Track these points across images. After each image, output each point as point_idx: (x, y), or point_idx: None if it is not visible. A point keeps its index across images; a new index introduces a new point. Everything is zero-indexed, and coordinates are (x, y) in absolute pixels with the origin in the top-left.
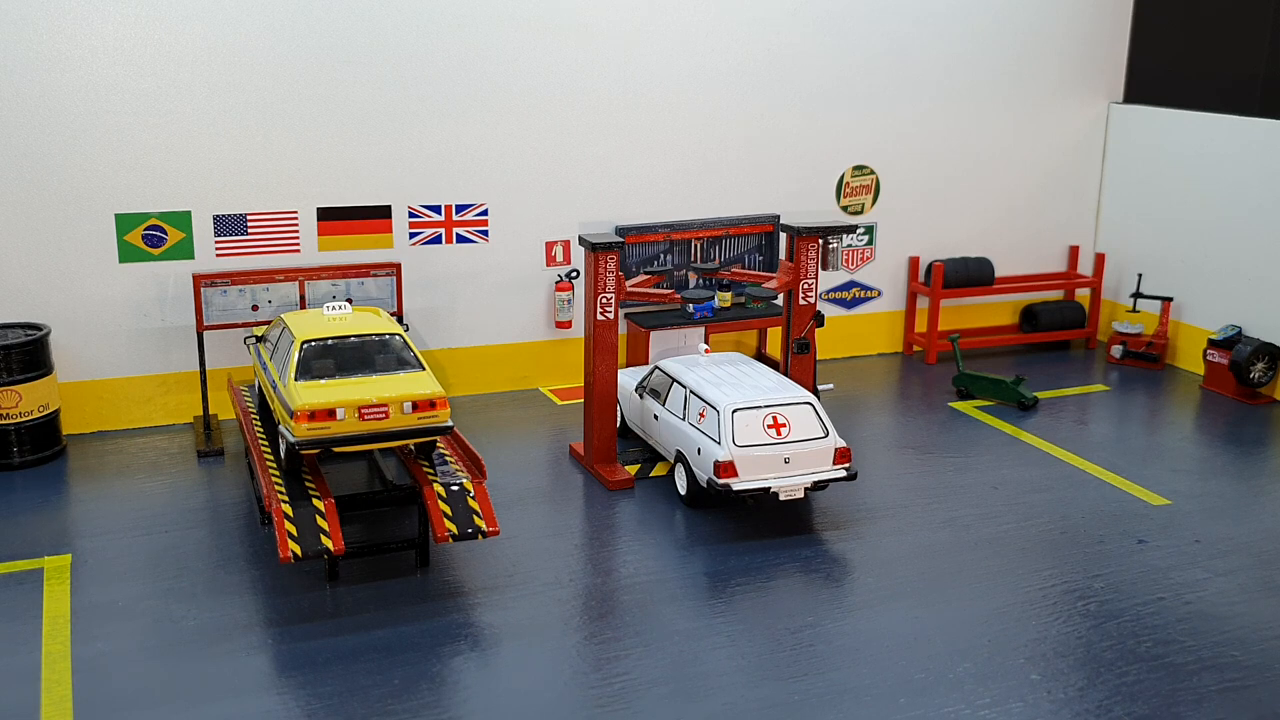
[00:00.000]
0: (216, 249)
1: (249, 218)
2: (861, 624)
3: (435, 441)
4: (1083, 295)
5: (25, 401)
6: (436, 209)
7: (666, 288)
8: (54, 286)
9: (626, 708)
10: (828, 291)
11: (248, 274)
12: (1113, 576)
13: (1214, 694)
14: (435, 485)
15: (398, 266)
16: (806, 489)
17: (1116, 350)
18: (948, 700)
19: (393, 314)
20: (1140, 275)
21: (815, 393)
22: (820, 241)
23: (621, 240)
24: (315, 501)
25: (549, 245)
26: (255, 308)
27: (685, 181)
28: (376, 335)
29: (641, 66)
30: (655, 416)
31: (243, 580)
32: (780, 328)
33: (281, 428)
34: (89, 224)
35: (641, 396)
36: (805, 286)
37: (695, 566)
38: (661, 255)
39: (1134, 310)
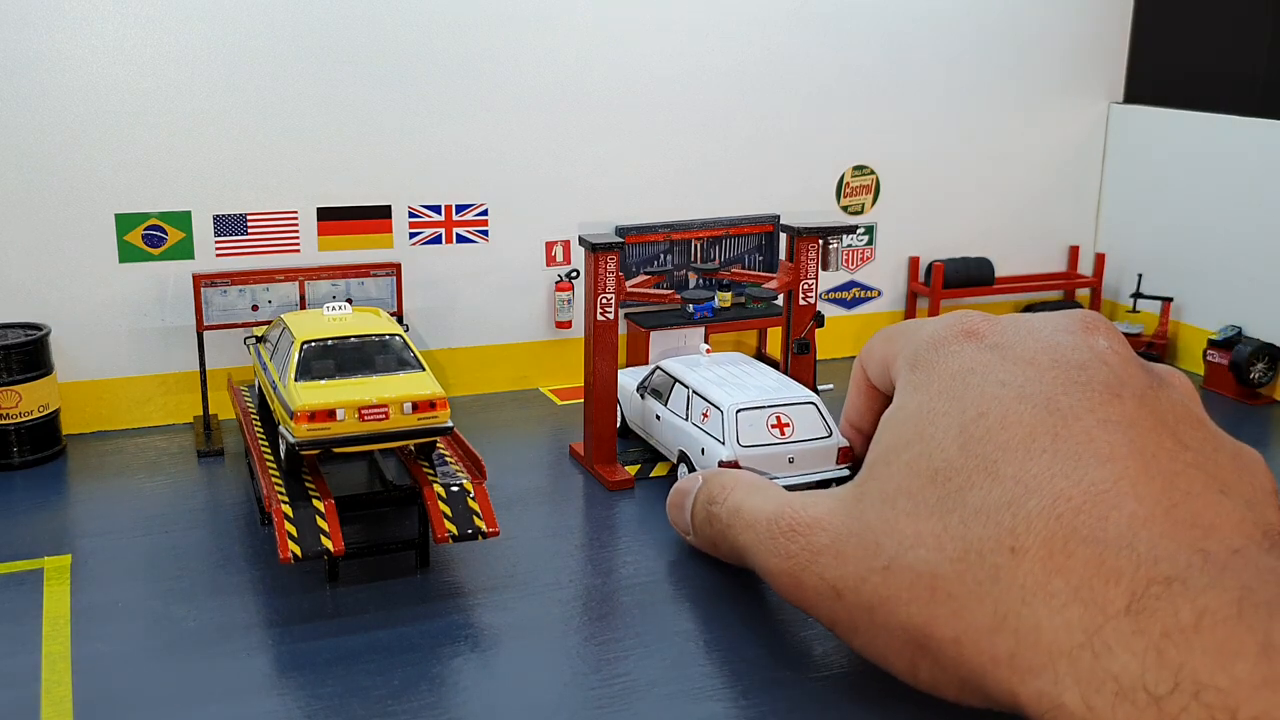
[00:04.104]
0: (216, 249)
1: (249, 218)
2: None
3: (435, 442)
4: (1083, 295)
5: (25, 401)
6: (436, 209)
7: (666, 288)
8: (54, 286)
9: (626, 708)
10: (828, 292)
11: (248, 274)
12: None
13: None
14: (435, 486)
15: (398, 266)
16: (810, 488)
17: None
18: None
19: (393, 314)
20: (1140, 275)
21: (815, 393)
22: (820, 242)
23: (621, 240)
24: (315, 502)
25: (549, 245)
26: (255, 308)
27: (685, 181)
28: (376, 335)
29: (641, 66)
30: (657, 417)
31: (243, 580)
32: (780, 328)
33: (281, 428)
34: (89, 224)
35: (643, 397)
36: (805, 287)
37: (695, 566)
38: (661, 255)
39: (1134, 310)
